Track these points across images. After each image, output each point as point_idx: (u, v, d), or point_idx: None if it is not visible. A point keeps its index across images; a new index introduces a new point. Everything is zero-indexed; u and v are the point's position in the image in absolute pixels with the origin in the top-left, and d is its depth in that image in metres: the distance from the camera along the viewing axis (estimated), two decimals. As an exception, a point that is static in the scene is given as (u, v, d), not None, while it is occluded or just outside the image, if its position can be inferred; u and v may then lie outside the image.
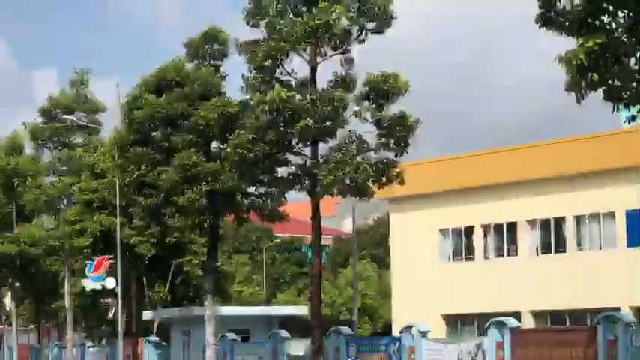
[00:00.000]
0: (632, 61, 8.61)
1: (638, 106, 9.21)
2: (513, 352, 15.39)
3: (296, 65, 17.25)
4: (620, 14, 8.46)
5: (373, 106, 16.64)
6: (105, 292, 24.12)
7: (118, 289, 22.31)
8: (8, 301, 35.42)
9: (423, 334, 16.79)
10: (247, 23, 17.08)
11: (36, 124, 27.32)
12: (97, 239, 24.12)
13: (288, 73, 16.88)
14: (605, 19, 8.47)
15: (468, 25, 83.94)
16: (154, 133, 20.60)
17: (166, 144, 19.91)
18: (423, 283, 24.31)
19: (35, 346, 34.46)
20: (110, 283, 22.27)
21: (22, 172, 27.35)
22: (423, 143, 17.85)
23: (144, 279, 25.41)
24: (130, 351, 24.62)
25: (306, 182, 17.45)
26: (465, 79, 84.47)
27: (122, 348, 23.61)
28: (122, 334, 22.84)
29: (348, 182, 16.28)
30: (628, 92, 8.81)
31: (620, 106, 9.28)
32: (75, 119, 26.33)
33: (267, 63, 16.64)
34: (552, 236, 22.54)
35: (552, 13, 8.67)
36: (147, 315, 24.91)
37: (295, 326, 22.40)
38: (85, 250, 24.32)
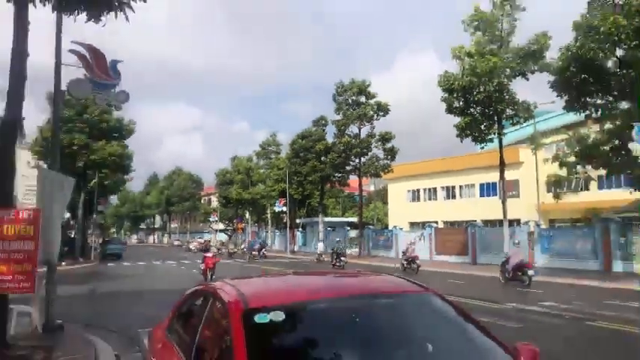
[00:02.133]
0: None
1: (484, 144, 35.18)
2: (436, 236, 41.95)
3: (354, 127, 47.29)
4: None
5: (380, 143, 46.76)
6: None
7: (287, 210, 52.84)
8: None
9: (400, 228, 47.06)
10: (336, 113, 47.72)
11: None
12: (279, 194, 54.32)
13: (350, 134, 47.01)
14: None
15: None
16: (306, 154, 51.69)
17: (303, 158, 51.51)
18: (401, 210, 52.45)
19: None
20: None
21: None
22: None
23: (296, 208, 56.22)
24: (291, 234, 55.19)
25: (357, 171, 47.44)
26: None
27: (288, 232, 54.59)
28: (288, 226, 54.19)
29: (372, 171, 46.65)
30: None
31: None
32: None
33: (341, 128, 47.04)
34: (449, 192, 49.93)
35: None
36: (298, 221, 56.34)
37: (353, 225, 52.57)
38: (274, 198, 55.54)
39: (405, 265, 25.97)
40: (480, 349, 3.13)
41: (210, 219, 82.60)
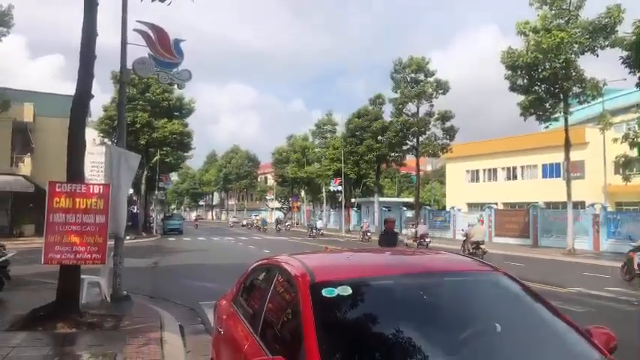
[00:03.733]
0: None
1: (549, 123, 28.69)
2: (495, 217, 40.96)
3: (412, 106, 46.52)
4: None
5: (439, 122, 45.68)
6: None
7: (342, 189, 53.13)
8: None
9: (458, 209, 46.25)
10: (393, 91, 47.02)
11: None
12: (334, 173, 53.10)
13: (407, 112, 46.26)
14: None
15: None
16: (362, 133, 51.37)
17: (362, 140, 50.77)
18: (459, 191, 51.33)
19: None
20: None
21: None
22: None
23: (352, 187, 55.43)
24: (346, 212, 54.51)
25: (414, 151, 46.81)
26: None
27: (343, 211, 54.77)
28: (343, 206, 54.45)
29: (430, 151, 45.80)
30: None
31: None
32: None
33: (399, 107, 46.39)
34: (510, 173, 48.43)
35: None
36: (353, 200, 56.49)
37: (409, 205, 52.18)
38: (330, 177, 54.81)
39: (471, 250, 21.64)
40: (551, 329, 3.05)
41: (267, 197, 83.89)
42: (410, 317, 2.98)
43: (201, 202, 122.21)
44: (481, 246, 20.70)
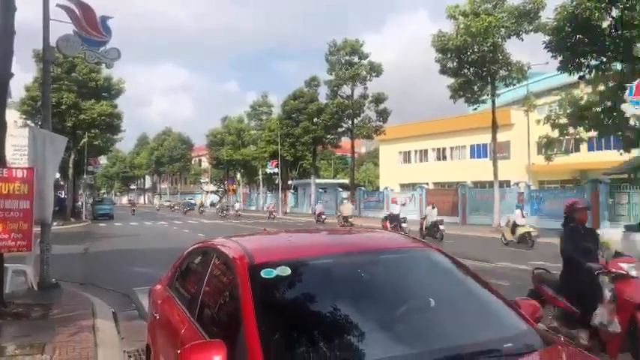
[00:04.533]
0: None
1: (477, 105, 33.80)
2: (427, 197, 41.55)
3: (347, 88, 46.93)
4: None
5: (373, 104, 46.26)
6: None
7: (279, 171, 53.32)
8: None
9: (391, 190, 47.37)
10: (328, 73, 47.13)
11: None
12: (271, 155, 53.01)
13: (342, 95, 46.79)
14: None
15: None
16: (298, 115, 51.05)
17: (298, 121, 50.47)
18: (392, 172, 52.25)
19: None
20: None
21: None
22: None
23: (288, 169, 56.19)
24: (283, 195, 54.86)
25: (349, 133, 47.42)
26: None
27: (280, 193, 54.67)
28: (280, 188, 54.34)
29: (364, 133, 46.58)
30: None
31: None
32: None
33: (334, 89, 46.76)
34: (440, 154, 50.22)
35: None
36: (290, 182, 56.53)
37: (345, 186, 52.79)
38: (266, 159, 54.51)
39: (390, 228, 22.80)
40: (482, 302, 3.18)
41: (201, 180, 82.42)
42: (347, 295, 3.03)
43: (133, 186, 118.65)
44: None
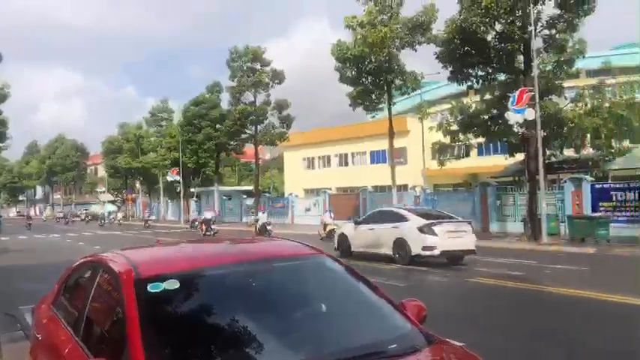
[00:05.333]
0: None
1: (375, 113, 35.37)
2: (330, 202, 44.23)
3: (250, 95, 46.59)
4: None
5: (276, 111, 46.54)
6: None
7: (181, 179, 51.90)
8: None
9: (295, 196, 47.53)
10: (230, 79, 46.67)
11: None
12: (172, 163, 50.80)
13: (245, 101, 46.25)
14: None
15: None
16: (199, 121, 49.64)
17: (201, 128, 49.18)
18: (296, 178, 53.06)
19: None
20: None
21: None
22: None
23: (191, 177, 54.50)
24: (185, 203, 52.81)
25: (253, 139, 47.08)
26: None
27: (182, 202, 53.15)
28: (182, 196, 52.71)
29: (268, 140, 46.39)
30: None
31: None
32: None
33: (236, 95, 46.25)
34: (342, 160, 51.93)
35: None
36: (193, 190, 54.85)
37: (249, 193, 52.31)
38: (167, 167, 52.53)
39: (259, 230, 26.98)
40: (370, 306, 3.30)
41: (98, 190, 78.48)
42: (239, 306, 3.03)
43: (22, 197, 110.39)
44: (268, 227, 26.05)
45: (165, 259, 3.59)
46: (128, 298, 2.80)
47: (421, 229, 14.23)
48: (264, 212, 30.33)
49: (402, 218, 15.19)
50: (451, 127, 27.07)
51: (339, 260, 3.67)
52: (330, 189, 44.53)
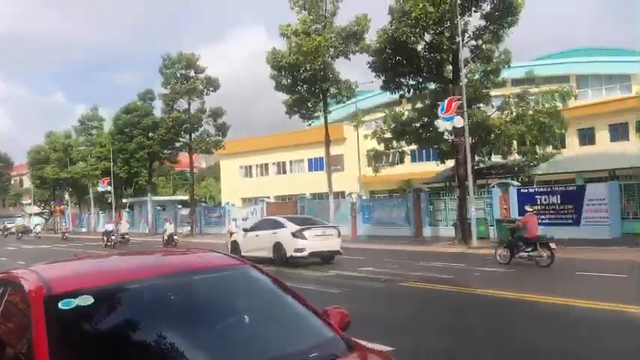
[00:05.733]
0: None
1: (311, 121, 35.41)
2: (267, 210, 44.67)
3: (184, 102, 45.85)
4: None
5: (211, 118, 46.02)
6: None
7: (112, 190, 50.16)
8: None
9: (232, 205, 47.04)
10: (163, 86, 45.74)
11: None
12: (103, 173, 49.31)
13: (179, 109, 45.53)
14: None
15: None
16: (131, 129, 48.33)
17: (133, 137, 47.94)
18: (233, 186, 52.70)
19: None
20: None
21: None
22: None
23: (123, 187, 52.89)
24: (117, 214, 50.10)
25: (188, 148, 46.23)
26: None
27: (113, 213, 51.39)
28: (114, 207, 51.10)
29: (203, 148, 45.79)
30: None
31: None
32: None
33: (169, 103, 45.31)
34: (280, 168, 52.29)
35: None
36: (125, 200, 53.41)
37: (185, 203, 51.28)
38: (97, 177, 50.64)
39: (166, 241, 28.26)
40: (292, 315, 3.30)
41: (23, 201, 74.78)
42: (159, 320, 2.95)
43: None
44: (175, 237, 28.95)
45: (80, 274, 3.44)
46: (37, 317, 2.67)
47: (294, 234, 16.59)
48: (171, 223, 31.14)
49: (280, 225, 17.50)
50: (385, 135, 27.65)
51: (263, 270, 3.65)
52: (269, 197, 44.38)
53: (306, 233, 16.58)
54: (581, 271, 13.08)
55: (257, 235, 18.07)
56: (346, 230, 30.78)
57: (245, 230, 19.46)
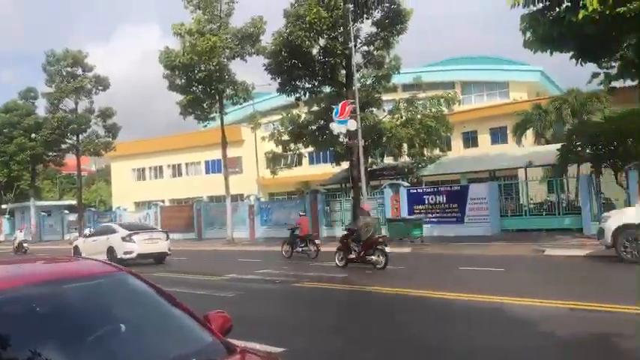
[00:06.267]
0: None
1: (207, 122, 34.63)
2: (161, 214, 43.52)
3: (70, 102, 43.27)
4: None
5: (100, 119, 43.78)
6: None
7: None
8: None
9: (124, 209, 45.09)
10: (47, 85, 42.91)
11: None
12: None
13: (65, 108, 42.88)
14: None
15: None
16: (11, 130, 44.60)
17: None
18: (126, 190, 50.78)
19: None
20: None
21: None
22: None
23: (2, 192, 48.47)
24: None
25: (75, 150, 43.74)
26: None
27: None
28: (-8, 214, 46.96)
29: (92, 150, 43.47)
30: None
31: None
32: None
33: (54, 102, 42.53)
34: (176, 170, 51.40)
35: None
36: (5, 206, 49.22)
37: (71, 207, 48.58)
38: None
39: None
40: (171, 321, 3.26)
41: None
42: (23, 335, 2.79)
43: None
44: (25, 245, 28.58)
45: None
46: None
47: (124, 239, 18.91)
48: (21, 231, 31.94)
49: (113, 231, 19.84)
50: (283, 137, 27.83)
51: (141, 276, 3.57)
52: (163, 201, 43.08)
53: (134, 237, 18.86)
54: (465, 265, 13.93)
55: (94, 240, 20.26)
56: (244, 233, 30.72)
57: (85, 236, 22.66)
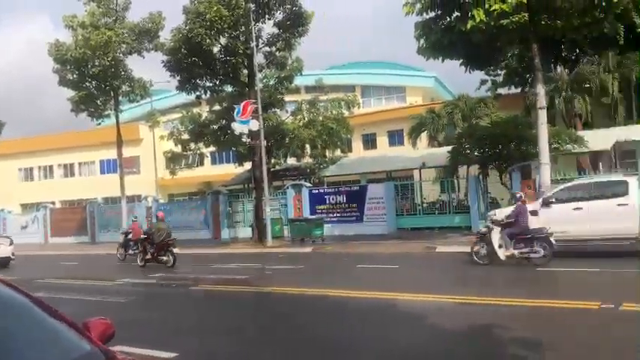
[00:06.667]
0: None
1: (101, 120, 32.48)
2: (51, 216, 40.64)
3: None
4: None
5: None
6: None
7: None
8: None
9: (9, 212, 41.81)
10: None
11: None
12: None
13: None
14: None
15: None
16: None
17: None
18: (11, 191, 45.65)
19: None
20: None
21: None
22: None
23: None
24: None
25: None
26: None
27: None
28: None
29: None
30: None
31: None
32: None
33: None
34: (68, 170, 48.66)
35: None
36: None
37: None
38: None
39: None
40: (43, 329, 3.08)
41: None
42: None
43: None
44: None
45: None
46: None
47: None
48: None
49: None
50: (182, 137, 27.14)
51: (10, 282, 3.34)
52: (54, 203, 40.57)
53: None
54: (363, 264, 14.33)
55: None
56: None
57: None
